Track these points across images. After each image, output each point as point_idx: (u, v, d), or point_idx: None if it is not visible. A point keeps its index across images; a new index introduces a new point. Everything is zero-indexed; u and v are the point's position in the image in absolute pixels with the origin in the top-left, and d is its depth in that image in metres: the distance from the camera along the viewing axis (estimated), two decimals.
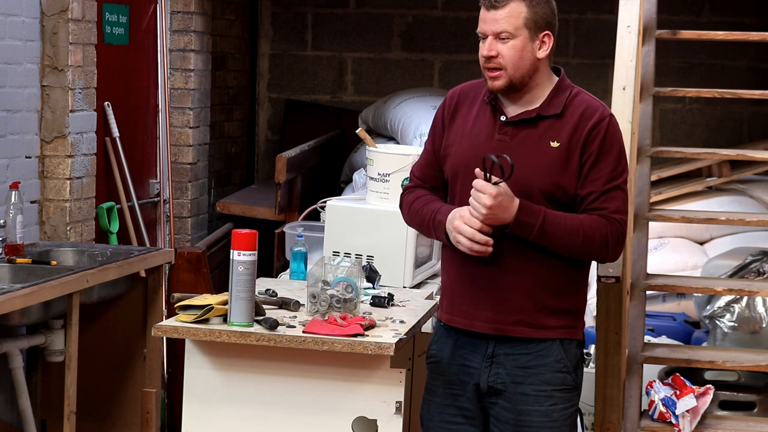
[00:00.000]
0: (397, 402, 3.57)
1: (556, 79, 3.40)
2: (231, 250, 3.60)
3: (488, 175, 3.23)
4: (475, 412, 3.43)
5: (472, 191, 3.22)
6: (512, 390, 3.36)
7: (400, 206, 3.59)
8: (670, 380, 4.71)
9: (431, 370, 3.50)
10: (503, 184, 3.22)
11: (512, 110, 3.37)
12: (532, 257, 3.31)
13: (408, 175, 4.63)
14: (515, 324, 3.34)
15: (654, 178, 6.38)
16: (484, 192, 3.21)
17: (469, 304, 3.39)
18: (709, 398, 4.61)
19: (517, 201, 3.25)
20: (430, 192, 3.49)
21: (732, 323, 5.37)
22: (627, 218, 3.35)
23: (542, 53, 3.32)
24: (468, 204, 3.27)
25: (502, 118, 3.35)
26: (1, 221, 4.70)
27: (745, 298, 5.34)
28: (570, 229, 3.26)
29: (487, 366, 3.38)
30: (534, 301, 3.34)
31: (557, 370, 3.36)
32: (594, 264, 3.65)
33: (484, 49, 3.31)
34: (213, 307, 3.69)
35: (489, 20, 3.31)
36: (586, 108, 3.34)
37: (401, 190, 3.63)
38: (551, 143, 3.31)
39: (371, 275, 4.28)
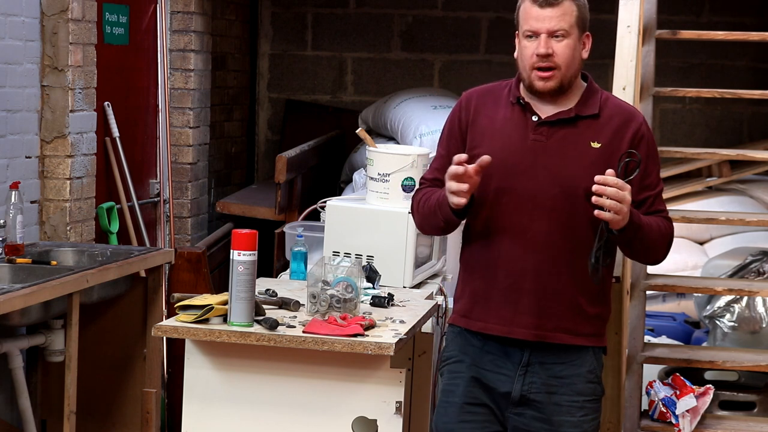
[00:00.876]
0: (397, 402, 3.57)
1: (583, 82, 3.38)
2: (231, 250, 3.60)
3: (623, 172, 3.20)
4: (498, 417, 3.39)
5: (612, 189, 3.11)
6: (546, 400, 3.34)
7: (411, 212, 3.55)
8: (670, 380, 4.71)
9: (450, 371, 3.44)
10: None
11: (546, 110, 3.33)
12: (569, 261, 3.29)
13: (407, 176, 4.64)
14: (555, 330, 3.31)
15: None
16: (625, 189, 3.14)
17: (507, 309, 3.33)
18: (709, 398, 4.61)
19: None
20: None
21: (732, 323, 5.37)
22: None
23: (586, 53, 3.34)
24: (501, 205, 3.28)
25: (534, 118, 3.31)
26: (1, 221, 4.70)
27: (745, 298, 5.35)
28: (656, 229, 3.32)
29: (522, 374, 3.34)
30: (572, 306, 3.32)
31: (589, 380, 3.37)
32: None
33: (541, 47, 3.24)
34: (213, 307, 3.69)
35: (544, 18, 3.25)
36: (623, 111, 3.35)
37: (408, 192, 3.63)
38: (592, 143, 3.28)
39: (371, 275, 4.28)
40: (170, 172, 6.47)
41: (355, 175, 6.56)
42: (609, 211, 3.13)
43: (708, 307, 5.44)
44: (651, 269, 5.11)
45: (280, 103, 8.14)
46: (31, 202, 5.20)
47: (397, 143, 6.58)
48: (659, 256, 3.43)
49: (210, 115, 6.98)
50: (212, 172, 7.13)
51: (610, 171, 3.15)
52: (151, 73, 6.44)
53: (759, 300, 5.34)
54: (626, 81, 4.56)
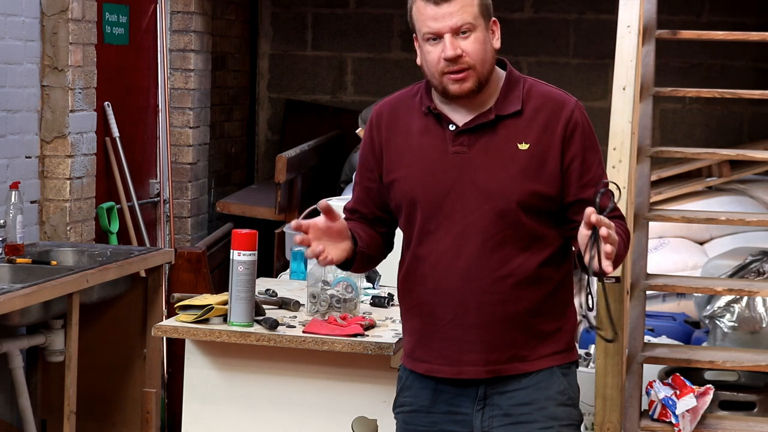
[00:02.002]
0: None
1: (503, 72, 2.93)
2: (231, 250, 3.60)
3: (598, 204, 2.74)
4: None
5: (605, 230, 2.64)
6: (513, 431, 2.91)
7: None
8: (670, 380, 4.71)
9: (405, 421, 3.00)
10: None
11: (461, 116, 2.89)
12: (513, 284, 2.86)
13: None
14: (510, 361, 2.89)
15: (654, 178, 6.38)
16: (611, 228, 2.68)
17: (452, 349, 2.89)
18: (709, 398, 4.61)
19: None
20: (355, 221, 3.05)
21: (732, 323, 5.37)
22: None
23: (497, 43, 2.89)
24: (429, 231, 2.87)
25: (452, 128, 2.88)
26: (1, 221, 4.70)
27: (745, 298, 5.34)
28: (621, 238, 2.83)
29: (480, 409, 2.92)
30: (525, 330, 2.89)
31: (562, 402, 2.93)
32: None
33: (447, 49, 2.80)
34: (213, 307, 3.69)
35: (443, 15, 2.80)
36: (549, 100, 2.91)
37: None
38: (519, 146, 2.85)
39: (371, 275, 4.28)
40: (170, 172, 6.47)
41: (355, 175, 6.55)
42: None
43: (708, 307, 5.44)
44: (651, 269, 5.11)
45: (280, 103, 8.14)
46: (31, 202, 5.20)
47: None
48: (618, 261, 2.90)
49: (210, 115, 6.98)
50: (212, 172, 7.14)
51: (589, 210, 2.67)
52: (151, 73, 6.44)
53: (759, 300, 5.34)
54: (626, 81, 4.56)
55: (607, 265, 2.66)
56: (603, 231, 2.64)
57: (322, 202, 2.88)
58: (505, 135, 2.86)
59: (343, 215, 3.03)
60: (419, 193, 2.88)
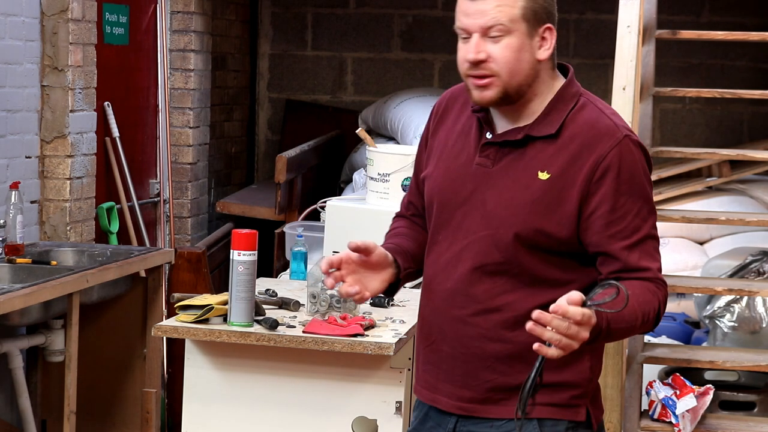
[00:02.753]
0: (397, 402, 3.57)
1: (561, 84, 2.60)
2: (231, 250, 3.60)
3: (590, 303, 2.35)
4: None
5: (558, 322, 2.31)
6: None
7: None
8: (670, 380, 4.71)
9: None
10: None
11: (501, 126, 2.60)
12: (500, 318, 2.55)
13: (407, 176, 4.64)
14: (484, 402, 2.58)
15: (654, 178, 6.36)
16: (583, 324, 2.33)
17: (431, 373, 2.64)
18: (709, 398, 4.61)
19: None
20: (406, 223, 2.82)
21: (732, 323, 5.37)
22: (665, 282, 2.55)
23: (544, 53, 2.54)
24: (436, 242, 2.63)
25: (488, 136, 2.59)
26: (1, 221, 4.70)
27: (745, 298, 5.34)
28: (629, 313, 2.43)
29: None
30: (506, 374, 2.56)
31: None
32: None
33: (471, 51, 2.51)
34: (213, 307, 3.69)
35: (475, 12, 2.51)
36: (592, 129, 2.52)
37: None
38: (539, 174, 2.52)
39: None
40: (170, 172, 6.47)
41: (355, 175, 6.57)
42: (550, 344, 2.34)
43: (708, 307, 5.44)
44: None
45: (280, 103, 8.14)
46: (31, 202, 5.20)
47: (397, 143, 6.58)
48: (645, 330, 2.55)
49: (210, 115, 6.98)
50: (212, 172, 7.13)
51: (575, 297, 2.32)
52: (151, 73, 6.44)
53: (759, 300, 5.34)
54: (626, 81, 4.56)
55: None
56: (535, 314, 2.31)
57: (351, 243, 2.57)
58: (531, 158, 2.53)
59: (398, 210, 2.86)
60: (436, 198, 2.64)
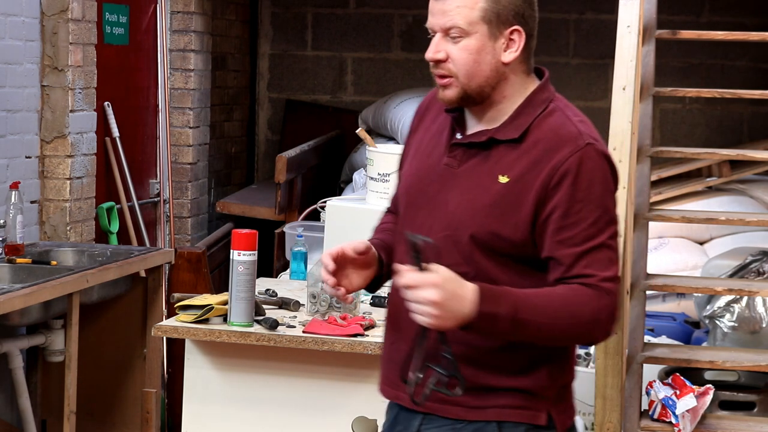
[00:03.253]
0: None
1: (534, 87, 2.58)
2: (231, 250, 3.61)
3: (418, 259, 2.38)
4: None
5: (406, 292, 2.35)
6: None
7: None
8: (670, 380, 4.71)
9: None
10: (441, 268, 2.36)
11: (473, 127, 2.59)
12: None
13: None
14: (443, 403, 2.54)
15: (654, 178, 6.38)
16: (423, 285, 2.34)
17: (394, 371, 2.62)
18: (709, 398, 4.61)
19: (469, 285, 2.38)
20: (393, 218, 2.79)
21: (732, 323, 5.37)
22: (618, 284, 2.49)
23: (509, 56, 2.51)
24: (400, 241, 2.60)
25: (458, 136, 2.58)
26: (1, 221, 4.70)
27: (745, 298, 5.34)
28: (550, 311, 2.42)
29: None
30: (465, 374, 2.49)
31: None
32: None
33: (430, 50, 2.53)
34: (213, 307, 3.69)
35: (437, 12, 2.51)
36: (554, 135, 2.49)
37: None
38: (499, 177, 2.49)
39: None
40: (170, 172, 6.47)
41: (355, 175, 6.57)
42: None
43: (708, 307, 5.43)
44: (651, 269, 5.11)
45: (280, 103, 8.14)
46: (31, 202, 5.20)
47: (397, 143, 6.58)
48: (579, 340, 2.52)
49: (210, 115, 6.98)
50: (212, 172, 7.14)
51: (398, 267, 2.39)
52: (151, 73, 6.44)
53: (759, 300, 5.33)
54: (626, 81, 4.56)
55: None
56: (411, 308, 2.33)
57: (360, 245, 2.59)
58: (494, 162, 2.52)
59: (383, 215, 2.85)
60: (404, 196, 2.65)
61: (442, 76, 2.52)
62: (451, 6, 2.48)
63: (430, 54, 2.52)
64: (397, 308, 2.59)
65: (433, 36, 2.53)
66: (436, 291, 2.33)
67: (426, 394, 2.45)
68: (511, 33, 2.50)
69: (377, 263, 2.67)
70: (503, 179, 2.49)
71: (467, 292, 2.36)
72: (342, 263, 2.59)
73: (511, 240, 2.48)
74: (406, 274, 2.35)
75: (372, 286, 2.70)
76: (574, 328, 2.43)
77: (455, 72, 2.50)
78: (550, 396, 2.57)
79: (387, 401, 2.71)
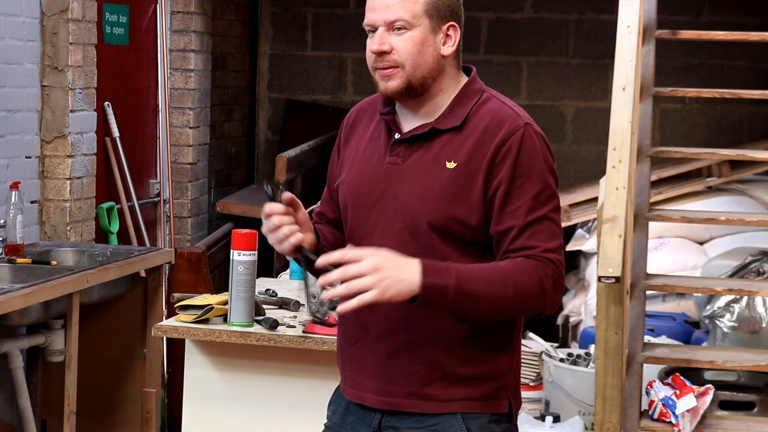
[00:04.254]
0: None
1: (464, 82, 2.70)
2: (231, 250, 3.60)
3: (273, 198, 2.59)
4: None
5: (344, 268, 2.42)
6: None
7: None
8: (670, 380, 4.71)
9: None
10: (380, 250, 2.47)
11: (409, 125, 2.68)
12: (423, 312, 2.58)
13: None
14: (409, 397, 2.61)
15: (654, 178, 6.38)
16: (363, 256, 2.44)
17: (356, 371, 2.68)
18: (709, 398, 4.61)
19: (412, 260, 2.47)
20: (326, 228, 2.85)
21: (732, 323, 5.37)
22: (562, 256, 2.59)
23: (448, 49, 2.64)
24: (354, 243, 2.65)
25: (397, 136, 2.67)
26: (1, 221, 4.70)
27: (745, 298, 5.34)
28: (493, 281, 2.50)
29: None
30: (432, 367, 2.60)
31: None
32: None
33: (374, 42, 2.62)
34: (213, 307, 3.69)
35: (380, 7, 2.62)
36: (494, 117, 2.62)
37: None
38: (447, 164, 2.60)
39: None
40: (170, 172, 6.47)
41: None
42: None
43: (708, 307, 5.44)
44: (651, 269, 5.11)
45: (280, 103, 8.14)
46: (31, 202, 5.20)
47: None
48: (525, 311, 2.57)
49: (210, 115, 6.98)
50: (212, 172, 7.14)
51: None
52: (151, 73, 6.44)
53: (759, 300, 5.34)
54: (626, 81, 4.56)
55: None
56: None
57: (286, 193, 2.66)
58: (438, 150, 2.62)
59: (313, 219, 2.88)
60: (350, 202, 2.71)
61: (387, 67, 2.62)
62: (395, 0, 2.60)
63: (376, 46, 2.61)
64: (359, 309, 2.56)
65: (373, 32, 2.64)
66: (376, 258, 2.42)
67: (324, 310, 2.57)
68: (448, 28, 2.64)
69: (310, 224, 2.72)
70: (450, 165, 2.59)
71: (411, 265, 2.44)
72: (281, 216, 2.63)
73: (467, 223, 2.58)
74: (347, 251, 2.44)
75: (308, 261, 2.69)
76: (519, 297, 2.51)
77: (401, 62, 2.61)
78: (510, 384, 2.68)
79: (342, 399, 2.75)
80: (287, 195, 2.64)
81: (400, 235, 2.60)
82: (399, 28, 2.61)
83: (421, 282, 2.44)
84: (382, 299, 2.42)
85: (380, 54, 2.62)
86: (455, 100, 2.66)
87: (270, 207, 2.62)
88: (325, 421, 2.81)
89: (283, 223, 2.62)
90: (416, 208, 2.59)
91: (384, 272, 2.42)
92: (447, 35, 2.64)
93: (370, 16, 2.64)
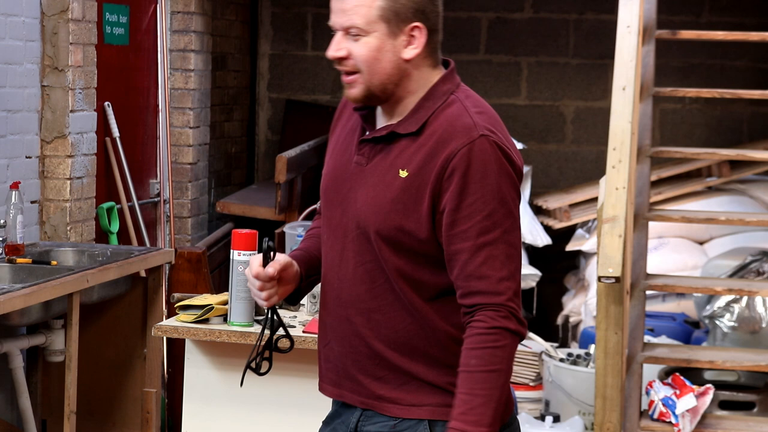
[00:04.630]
0: None
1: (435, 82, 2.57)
2: (231, 250, 3.60)
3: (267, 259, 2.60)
4: None
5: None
6: None
7: None
8: (670, 380, 4.72)
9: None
10: None
11: (381, 123, 2.60)
12: (380, 321, 2.54)
13: None
14: (379, 400, 2.59)
15: (654, 178, 6.39)
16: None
17: (334, 370, 2.66)
18: (708, 398, 4.62)
19: None
20: (319, 225, 2.79)
21: (732, 323, 5.37)
22: (518, 281, 2.46)
23: (410, 52, 2.50)
24: (324, 240, 2.64)
25: (367, 134, 2.59)
26: (2, 221, 4.70)
27: (745, 298, 5.35)
28: (479, 389, 2.43)
29: None
30: (396, 371, 2.56)
31: None
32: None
33: (330, 47, 2.55)
34: (213, 307, 3.69)
35: (337, 10, 2.53)
36: (448, 127, 2.47)
37: None
38: (400, 172, 2.49)
39: None
40: (170, 172, 6.47)
41: None
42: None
43: (708, 307, 5.44)
44: (651, 269, 5.12)
45: (280, 103, 8.14)
46: (32, 202, 5.20)
47: None
48: (509, 369, 2.48)
49: (210, 115, 6.98)
50: (212, 172, 7.14)
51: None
52: (151, 73, 6.44)
53: (759, 300, 5.34)
54: (626, 81, 4.56)
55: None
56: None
57: (277, 262, 2.61)
58: (395, 156, 2.51)
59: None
60: (323, 196, 2.65)
61: (348, 74, 2.53)
62: (350, 5, 2.49)
63: (331, 52, 2.53)
64: (328, 310, 2.62)
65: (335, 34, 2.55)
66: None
67: (258, 361, 2.68)
68: (412, 30, 2.50)
69: (297, 278, 2.68)
70: (403, 173, 2.48)
71: None
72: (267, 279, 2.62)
73: (416, 235, 2.48)
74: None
75: (292, 298, 2.72)
76: (503, 370, 2.43)
77: (359, 68, 2.51)
78: None
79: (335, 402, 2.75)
80: (277, 266, 2.59)
81: (357, 241, 2.54)
82: (354, 34, 2.50)
83: None
84: None
85: (337, 60, 2.53)
86: (420, 103, 2.53)
87: (257, 272, 2.58)
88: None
89: (265, 288, 2.61)
90: (367, 215, 2.51)
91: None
92: (411, 36, 2.50)
93: (332, 18, 2.56)
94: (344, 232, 2.57)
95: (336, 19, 2.53)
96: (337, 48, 2.52)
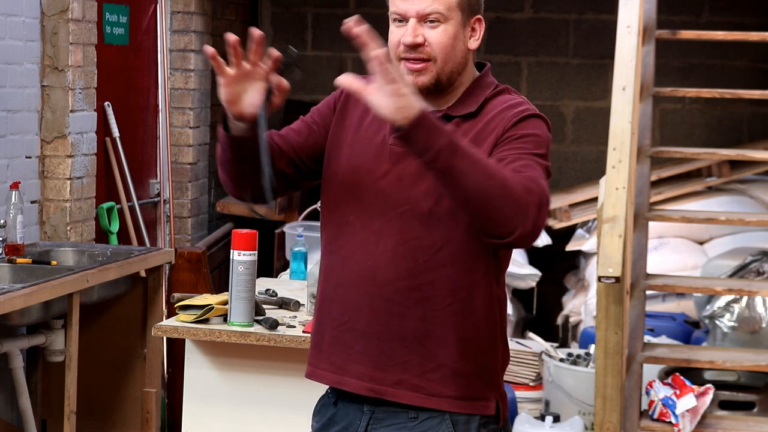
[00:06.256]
0: None
1: (480, 75, 2.66)
2: (231, 250, 3.61)
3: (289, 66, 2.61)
4: None
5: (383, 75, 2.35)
6: None
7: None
8: (670, 380, 4.72)
9: None
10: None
11: None
12: (420, 299, 2.52)
13: None
14: (396, 385, 2.53)
15: (654, 178, 6.38)
16: (400, 75, 2.36)
17: (336, 354, 2.59)
18: (708, 398, 4.62)
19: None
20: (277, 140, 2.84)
21: (732, 323, 5.37)
22: (549, 195, 2.46)
23: (474, 43, 2.60)
24: (348, 222, 2.60)
25: None
26: (2, 221, 4.70)
27: (745, 298, 5.35)
28: (484, 158, 2.39)
29: None
30: (424, 356, 2.53)
31: None
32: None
33: (408, 34, 2.54)
34: (213, 307, 3.70)
35: None
36: (505, 104, 2.58)
37: None
38: None
39: None
40: (170, 172, 6.47)
41: None
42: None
43: (708, 307, 5.44)
44: (651, 269, 5.11)
45: None
46: (32, 202, 5.20)
47: None
48: (505, 217, 2.35)
49: (210, 115, 6.98)
50: (212, 172, 7.14)
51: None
52: (151, 73, 6.44)
53: (759, 300, 5.34)
54: (626, 81, 4.56)
55: None
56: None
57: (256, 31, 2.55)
58: None
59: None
60: (348, 178, 2.61)
61: (419, 60, 2.55)
62: None
63: (410, 38, 2.54)
64: (352, 290, 2.57)
65: (401, 22, 2.59)
66: (405, 84, 2.34)
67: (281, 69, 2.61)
68: (475, 21, 2.61)
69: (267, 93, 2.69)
70: None
71: (412, 94, 2.35)
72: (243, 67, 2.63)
73: None
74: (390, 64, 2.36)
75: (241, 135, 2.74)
76: (502, 191, 2.35)
77: (434, 56, 2.55)
78: (499, 383, 2.62)
79: (329, 399, 2.68)
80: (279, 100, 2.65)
81: (402, 218, 2.53)
82: (433, 21, 2.55)
83: (423, 112, 2.32)
84: (392, 94, 2.32)
85: (414, 46, 2.55)
86: (469, 90, 2.60)
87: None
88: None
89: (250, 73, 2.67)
90: (420, 191, 2.51)
91: (406, 98, 2.32)
92: (473, 29, 2.60)
93: (401, 5, 2.58)
94: (383, 210, 2.55)
95: (411, 6, 2.56)
96: (415, 34, 2.54)
